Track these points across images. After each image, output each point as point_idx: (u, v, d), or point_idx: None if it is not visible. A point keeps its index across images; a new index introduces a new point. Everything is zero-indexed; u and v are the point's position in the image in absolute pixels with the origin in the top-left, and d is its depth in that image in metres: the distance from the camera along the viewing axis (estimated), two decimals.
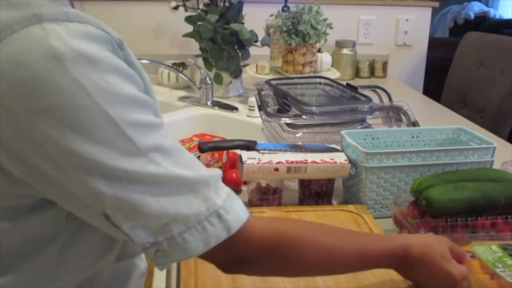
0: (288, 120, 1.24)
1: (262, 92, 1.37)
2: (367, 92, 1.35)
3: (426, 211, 0.93)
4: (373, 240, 0.80)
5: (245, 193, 1.16)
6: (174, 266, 0.94)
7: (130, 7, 2.27)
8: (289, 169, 1.08)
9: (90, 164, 0.56)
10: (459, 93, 2.33)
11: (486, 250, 0.86)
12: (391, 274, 0.87)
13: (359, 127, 1.28)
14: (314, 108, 1.25)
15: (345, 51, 2.36)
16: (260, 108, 1.31)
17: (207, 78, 1.85)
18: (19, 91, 0.54)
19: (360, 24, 2.47)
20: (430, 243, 0.78)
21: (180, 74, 1.90)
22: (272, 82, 1.42)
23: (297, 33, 1.82)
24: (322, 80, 1.51)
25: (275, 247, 0.69)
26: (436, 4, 2.54)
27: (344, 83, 1.45)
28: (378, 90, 1.45)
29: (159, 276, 0.94)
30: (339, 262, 0.75)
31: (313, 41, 1.84)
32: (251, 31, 1.87)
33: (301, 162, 1.09)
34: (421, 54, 2.59)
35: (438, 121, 1.83)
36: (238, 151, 1.16)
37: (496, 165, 1.14)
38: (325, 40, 1.87)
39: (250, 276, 0.81)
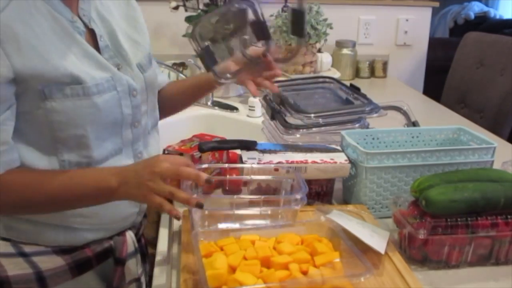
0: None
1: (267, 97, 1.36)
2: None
3: (426, 211, 0.93)
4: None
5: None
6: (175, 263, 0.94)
7: None
8: (289, 169, 1.08)
9: None
10: (459, 93, 2.33)
11: None
12: (391, 275, 0.87)
13: (359, 127, 1.28)
14: (314, 108, 1.25)
15: (345, 51, 2.36)
16: (273, 115, 1.30)
17: None
18: None
19: (360, 24, 2.47)
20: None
21: (180, 74, 1.90)
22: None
23: None
24: (326, 80, 1.51)
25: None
26: (436, 4, 2.54)
27: (344, 83, 1.45)
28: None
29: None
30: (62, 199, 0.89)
31: (313, 41, 1.84)
32: None
33: (301, 162, 1.09)
34: (421, 54, 2.59)
35: (438, 121, 1.83)
36: (238, 151, 1.16)
37: (496, 165, 1.14)
38: (325, 40, 1.88)
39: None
